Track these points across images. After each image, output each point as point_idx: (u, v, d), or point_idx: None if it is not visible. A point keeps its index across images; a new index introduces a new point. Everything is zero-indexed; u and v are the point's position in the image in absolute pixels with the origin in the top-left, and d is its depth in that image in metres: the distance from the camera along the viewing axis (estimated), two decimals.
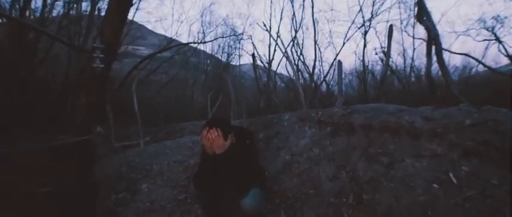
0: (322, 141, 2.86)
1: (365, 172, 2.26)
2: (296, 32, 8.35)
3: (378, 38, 7.22)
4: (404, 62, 8.08)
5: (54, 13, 7.96)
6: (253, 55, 5.08)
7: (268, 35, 10.76)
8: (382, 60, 6.34)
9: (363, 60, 7.55)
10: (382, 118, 2.60)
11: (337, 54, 8.81)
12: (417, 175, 1.98)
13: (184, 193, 2.62)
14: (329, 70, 8.58)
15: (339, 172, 2.40)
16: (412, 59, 7.51)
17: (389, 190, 1.98)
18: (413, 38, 6.99)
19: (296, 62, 7.81)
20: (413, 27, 7.04)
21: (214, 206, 1.87)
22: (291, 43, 7.81)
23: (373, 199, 1.98)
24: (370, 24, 7.73)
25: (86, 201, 1.76)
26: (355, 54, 9.37)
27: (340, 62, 3.12)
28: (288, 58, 3.88)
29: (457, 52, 6.80)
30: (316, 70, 8.64)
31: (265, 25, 5.06)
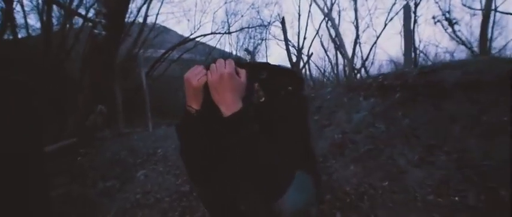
0: (389, 112, 1.94)
1: (486, 154, 1.30)
2: (331, 5, 7.17)
3: (437, 3, 5.66)
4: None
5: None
6: (282, 19, 4.24)
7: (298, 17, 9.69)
8: (445, 28, 5.06)
9: (413, 40, 6.21)
10: (499, 69, 1.60)
11: (377, 37, 7.63)
12: None
13: (190, 184, 1.85)
14: (369, 54, 7.41)
15: (432, 155, 1.46)
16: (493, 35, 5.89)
17: None
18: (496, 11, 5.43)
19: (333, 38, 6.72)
20: None
21: (226, 209, 1.03)
22: (325, 19, 6.69)
23: None
24: None
25: (20, 189, 1.05)
26: (401, 36, 7.97)
27: (407, 6, 2.15)
28: (328, 15, 2.99)
29: None
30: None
31: None
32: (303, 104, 0.92)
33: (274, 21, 9.16)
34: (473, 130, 1.44)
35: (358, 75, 6.18)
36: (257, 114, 0.78)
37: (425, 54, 6.84)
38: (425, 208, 1.19)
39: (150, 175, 2.12)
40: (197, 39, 10.19)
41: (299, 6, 11.78)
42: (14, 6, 6.99)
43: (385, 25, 7.44)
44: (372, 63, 7.94)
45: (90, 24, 3.75)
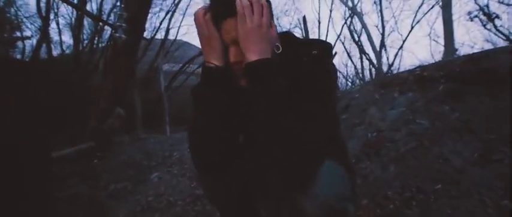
0: (433, 106, 1.68)
1: None
2: (353, 5, 6.72)
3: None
4: None
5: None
6: (303, 18, 4.09)
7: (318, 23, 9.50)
8: (484, 23, 4.53)
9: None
10: None
11: (404, 41, 7.22)
12: None
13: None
14: (394, 59, 6.99)
15: (498, 151, 1.19)
16: None
17: None
18: None
19: (357, 38, 6.33)
20: None
21: (239, 204, 0.81)
22: (348, 20, 6.28)
23: None
24: None
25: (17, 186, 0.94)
26: (430, 38, 7.51)
27: None
28: (353, 10, 2.79)
29: None
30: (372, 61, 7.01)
31: None
32: (330, 72, 0.71)
33: (294, 27, 9.02)
34: None
35: None
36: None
37: (458, 56, 6.33)
38: (500, 215, 0.92)
39: (164, 178, 1.98)
40: None
41: (319, 14, 11.64)
42: (49, 23, 7.50)
43: (412, 28, 7.05)
44: (398, 69, 7.49)
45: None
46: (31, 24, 7.01)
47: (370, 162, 1.55)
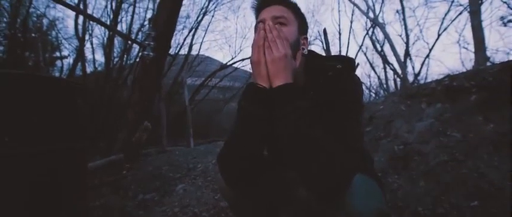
0: (464, 118, 1.60)
1: None
2: (376, 15, 6.48)
3: (506, 3, 4.54)
4: None
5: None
6: (324, 31, 4.08)
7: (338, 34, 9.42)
8: None
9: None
10: None
11: (430, 50, 6.93)
12: None
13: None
14: (421, 68, 6.70)
15: None
16: None
17: None
18: None
19: (379, 48, 6.15)
20: None
21: None
22: (370, 30, 6.15)
23: None
24: None
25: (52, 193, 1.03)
26: (459, 45, 7.07)
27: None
28: (375, 21, 2.76)
29: None
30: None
31: None
32: (356, 84, 0.74)
33: (314, 40, 9.02)
34: None
35: None
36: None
37: (492, 63, 5.95)
38: None
39: (189, 190, 2.03)
40: (237, 65, 10.55)
41: (339, 25, 11.56)
42: (85, 43, 8.18)
43: (439, 35, 6.76)
44: (425, 78, 7.17)
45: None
46: (69, 44, 7.68)
47: (398, 175, 1.50)
